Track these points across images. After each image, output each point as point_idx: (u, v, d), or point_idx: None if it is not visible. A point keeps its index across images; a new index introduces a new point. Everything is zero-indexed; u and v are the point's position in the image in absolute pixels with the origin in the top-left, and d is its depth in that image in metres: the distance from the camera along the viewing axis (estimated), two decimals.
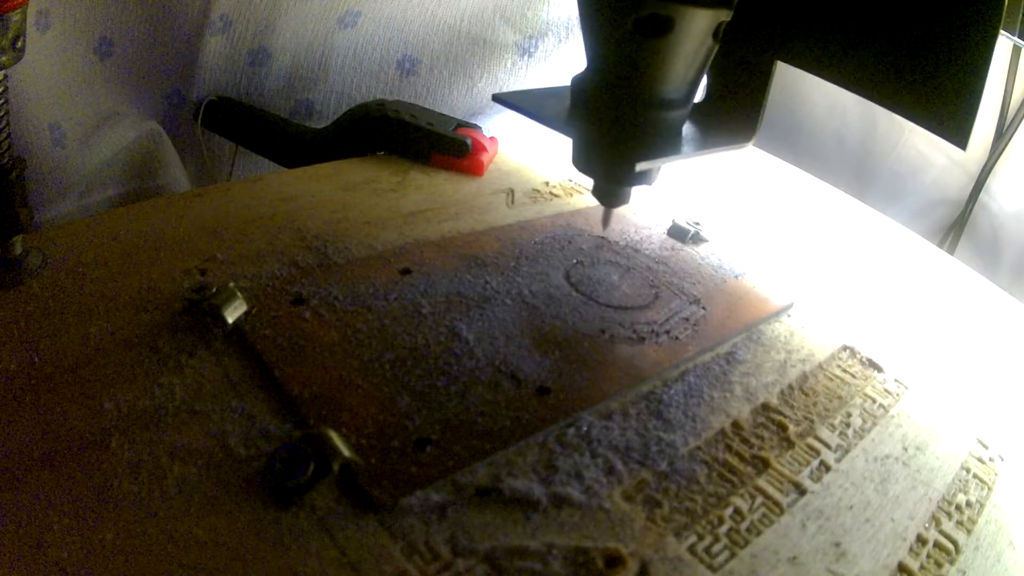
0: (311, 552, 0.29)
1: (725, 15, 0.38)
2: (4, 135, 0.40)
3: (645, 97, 0.40)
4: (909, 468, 0.40)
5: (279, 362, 0.38)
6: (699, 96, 0.44)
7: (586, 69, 0.42)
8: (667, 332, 0.46)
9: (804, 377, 0.45)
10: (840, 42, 0.41)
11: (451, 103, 0.81)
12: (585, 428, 0.38)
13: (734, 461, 0.38)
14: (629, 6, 0.37)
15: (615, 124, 0.41)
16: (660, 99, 0.40)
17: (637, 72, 0.40)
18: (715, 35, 0.39)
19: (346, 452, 0.32)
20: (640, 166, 0.40)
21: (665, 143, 0.42)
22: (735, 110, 0.45)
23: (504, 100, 0.43)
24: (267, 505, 0.31)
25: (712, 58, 0.40)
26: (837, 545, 0.34)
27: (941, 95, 0.38)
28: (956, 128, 0.38)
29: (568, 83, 0.43)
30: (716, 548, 0.33)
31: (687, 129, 0.44)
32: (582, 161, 0.44)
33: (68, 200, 0.62)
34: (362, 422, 0.35)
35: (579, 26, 0.80)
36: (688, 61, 0.39)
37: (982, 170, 0.93)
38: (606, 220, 0.52)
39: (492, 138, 0.68)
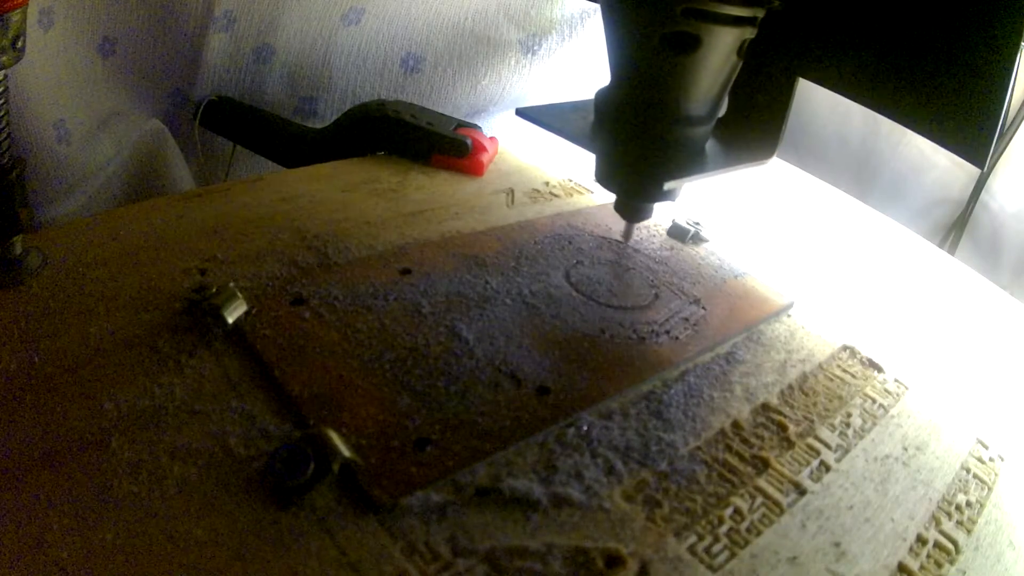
0: (311, 552, 0.29)
1: (750, 32, 0.38)
2: (4, 135, 0.40)
3: (671, 113, 0.41)
4: (909, 468, 0.40)
5: (279, 362, 0.38)
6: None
7: (610, 84, 0.42)
8: (667, 332, 0.46)
9: (804, 377, 0.45)
10: (861, 60, 0.41)
11: (455, 101, 0.81)
12: (585, 428, 0.38)
13: (734, 461, 0.38)
14: (656, 23, 0.37)
15: (641, 141, 0.42)
16: (686, 115, 0.41)
17: (663, 88, 0.40)
18: (739, 52, 0.39)
19: (346, 452, 0.32)
20: (668, 184, 0.41)
21: (691, 160, 0.42)
22: (757, 126, 0.45)
23: (527, 115, 0.44)
24: (267, 505, 0.31)
25: (736, 75, 0.40)
26: (837, 545, 0.34)
27: (960, 115, 0.38)
28: (975, 148, 0.38)
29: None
30: (716, 548, 0.33)
31: (709, 145, 0.44)
32: (607, 177, 0.44)
33: (71, 199, 0.63)
34: (362, 422, 0.35)
35: (582, 26, 0.81)
36: (713, 78, 0.40)
37: (983, 170, 0.93)
38: (627, 234, 0.52)
39: (492, 138, 0.68)
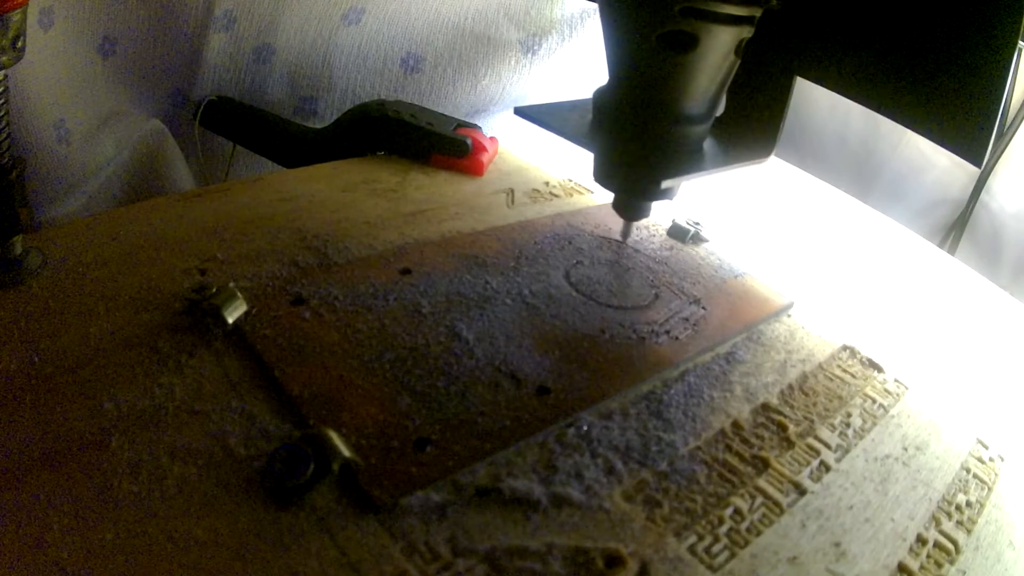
0: (311, 552, 0.29)
1: (747, 31, 0.38)
2: (4, 135, 0.40)
3: (669, 112, 0.41)
4: (909, 468, 0.40)
5: (279, 362, 0.38)
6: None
7: (608, 83, 0.42)
8: (667, 332, 0.46)
9: (804, 377, 0.45)
10: (859, 60, 0.41)
11: (455, 101, 0.81)
12: (585, 428, 0.38)
13: (734, 461, 0.38)
14: (654, 22, 0.37)
15: (639, 139, 0.42)
16: (684, 114, 0.41)
17: (661, 87, 0.40)
18: (737, 51, 0.39)
19: (346, 452, 0.32)
20: (666, 183, 0.41)
21: (688, 159, 0.42)
22: (754, 125, 0.45)
23: (526, 114, 0.44)
24: (267, 505, 0.31)
25: (733, 73, 0.40)
26: (837, 545, 0.34)
27: (958, 114, 0.38)
28: (973, 147, 0.38)
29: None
30: (716, 548, 0.33)
31: (707, 144, 0.44)
32: (605, 176, 0.44)
33: (71, 199, 0.63)
34: (362, 422, 0.35)
35: (582, 26, 0.81)
36: (711, 76, 0.40)
37: (983, 170, 0.93)
38: (626, 233, 0.52)
39: (492, 138, 0.68)
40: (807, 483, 0.37)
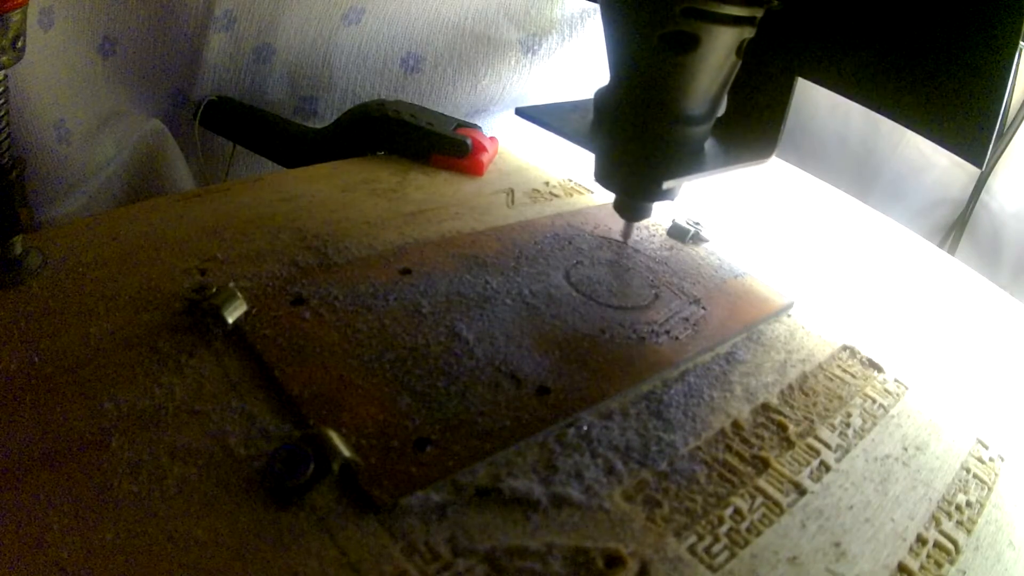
0: (311, 552, 0.29)
1: (749, 32, 0.39)
2: (4, 135, 0.40)
3: (670, 113, 0.41)
4: (909, 468, 0.40)
5: (279, 362, 0.38)
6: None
7: (609, 84, 0.42)
8: (667, 332, 0.46)
9: (804, 377, 0.45)
10: (860, 60, 0.41)
11: (455, 101, 0.81)
12: (585, 428, 0.38)
13: (734, 461, 0.38)
14: (656, 23, 0.37)
15: (640, 140, 0.42)
16: (685, 115, 0.41)
17: (663, 88, 0.40)
18: (738, 51, 0.39)
19: (346, 452, 0.32)
20: (667, 184, 0.41)
21: (690, 159, 0.42)
22: (756, 125, 0.45)
23: (527, 115, 0.44)
24: (267, 505, 0.31)
25: (735, 74, 0.40)
26: (837, 545, 0.34)
27: (958, 114, 0.38)
28: (974, 148, 0.38)
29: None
30: (716, 548, 0.33)
31: (708, 144, 0.44)
32: (606, 177, 0.45)
33: (71, 199, 0.63)
34: (362, 422, 0.35)
35: (582, 26, 0.81)
36: (712, 77, 0.40)
37: (983, 170, 0.93)
38: (627, 233, 0.52)
39: (492, 138, 0.68)
40: (807, 483, 0.37)
